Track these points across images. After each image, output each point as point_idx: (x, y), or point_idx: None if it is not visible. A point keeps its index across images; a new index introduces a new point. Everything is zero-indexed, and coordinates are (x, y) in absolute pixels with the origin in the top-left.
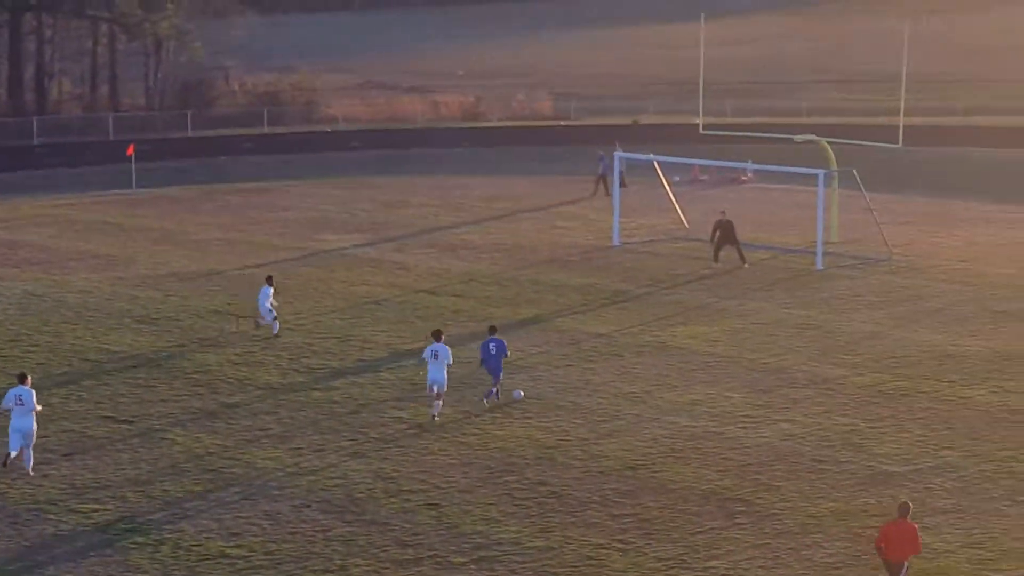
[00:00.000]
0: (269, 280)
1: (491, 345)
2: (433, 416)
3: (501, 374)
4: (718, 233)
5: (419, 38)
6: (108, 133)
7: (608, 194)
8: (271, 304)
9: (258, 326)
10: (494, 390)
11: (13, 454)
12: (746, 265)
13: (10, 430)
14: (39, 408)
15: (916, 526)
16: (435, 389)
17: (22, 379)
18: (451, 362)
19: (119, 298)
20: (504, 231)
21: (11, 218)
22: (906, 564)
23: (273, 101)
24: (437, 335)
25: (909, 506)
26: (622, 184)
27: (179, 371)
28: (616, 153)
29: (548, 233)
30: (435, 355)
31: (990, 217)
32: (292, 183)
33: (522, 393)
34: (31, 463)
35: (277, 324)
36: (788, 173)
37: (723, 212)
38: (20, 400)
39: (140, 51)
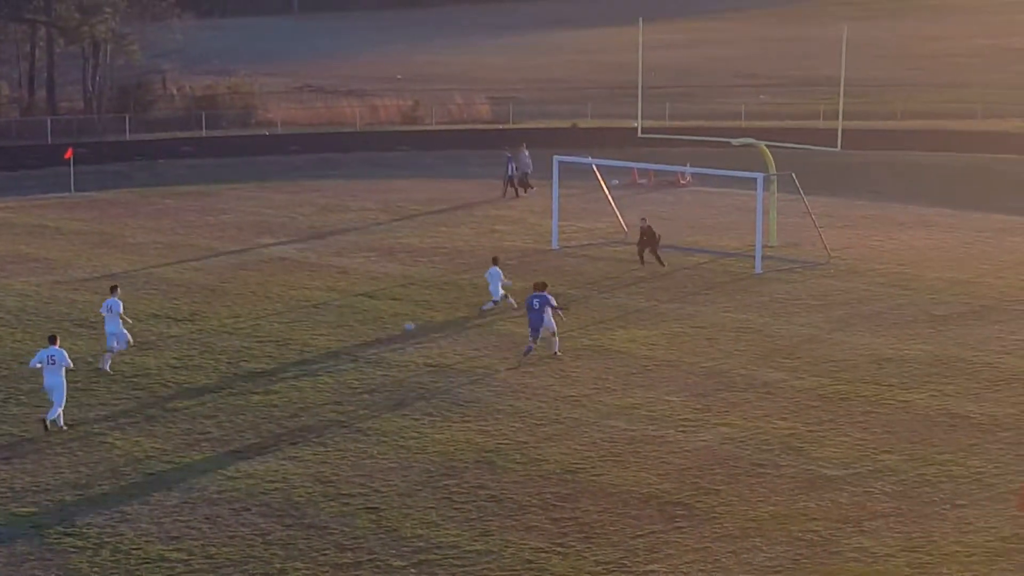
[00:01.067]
0: (495, 261)
1: (535, 301)
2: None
3: (542, 329)
4: (643, 238)
5: (356, 43)
6: (46, 137)
7: (517, 195)
8: (503, 285)
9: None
10: (531, 346)
11: (50, 419)
12: (664, 267)
13: (45, 387)
14: (70, 364)
15: None
16: (540, 332)
17: (52, 340)
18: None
19: (58, 301)
20: (443, 234)
21: None
22: None
23: (211, 105)
24: (540, 286)
25: None
26: (526, 185)
27: (118, 374)
28: (554, 157)
29: (487, 236)
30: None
31: (928, 221)
32: (230, 187)
33: (413, 325)
34: (55, 414)
35: (491, 305)
36: (727, 176)
37: (643, 219)
38: (52, 360)
39: (78, 55)
